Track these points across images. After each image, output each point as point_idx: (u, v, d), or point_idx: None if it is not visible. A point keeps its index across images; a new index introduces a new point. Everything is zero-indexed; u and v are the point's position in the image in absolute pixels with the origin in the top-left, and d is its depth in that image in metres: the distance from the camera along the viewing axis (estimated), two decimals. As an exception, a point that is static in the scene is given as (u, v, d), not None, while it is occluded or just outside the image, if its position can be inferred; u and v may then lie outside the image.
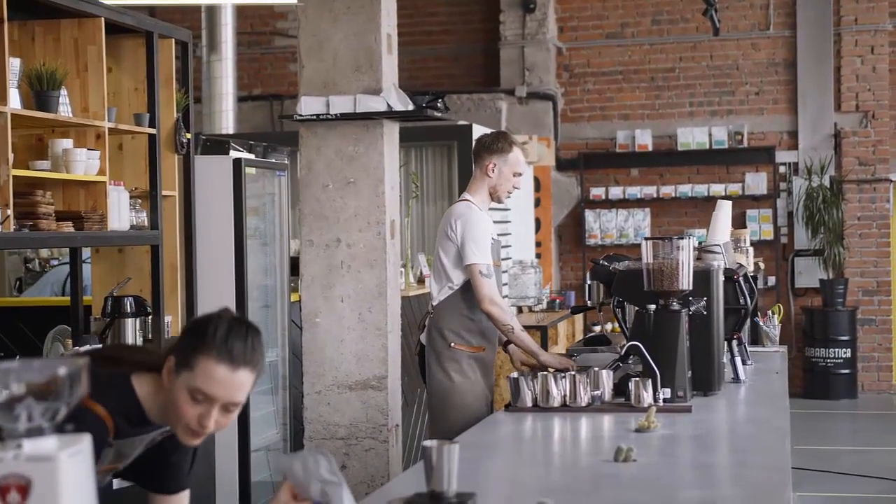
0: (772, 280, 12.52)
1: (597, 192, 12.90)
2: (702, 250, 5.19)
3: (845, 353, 12.19)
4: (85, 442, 1.80)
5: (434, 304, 5.35)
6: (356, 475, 5.66)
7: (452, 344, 5.22)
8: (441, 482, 2.76)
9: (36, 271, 8.81)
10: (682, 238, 4.43)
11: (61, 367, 1.78)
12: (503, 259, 10.01)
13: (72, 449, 1.77)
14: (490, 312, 5.11)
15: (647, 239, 4.47)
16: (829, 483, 8.44)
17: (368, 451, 5.68)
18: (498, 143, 5.33)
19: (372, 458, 5.68)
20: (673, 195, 12.72)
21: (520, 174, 5.36)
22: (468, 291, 5.22)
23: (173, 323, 5.86)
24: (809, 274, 12.54)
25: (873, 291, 12.55)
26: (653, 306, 4.41)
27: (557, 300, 10.95)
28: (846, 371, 12.22)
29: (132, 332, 5.42)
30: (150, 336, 5.62)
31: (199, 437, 2.60)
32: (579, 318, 11.09)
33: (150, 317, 5.59)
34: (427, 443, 2.76)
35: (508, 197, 5.43)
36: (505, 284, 9.92)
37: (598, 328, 12.39)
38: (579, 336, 10.97)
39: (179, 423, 2.58)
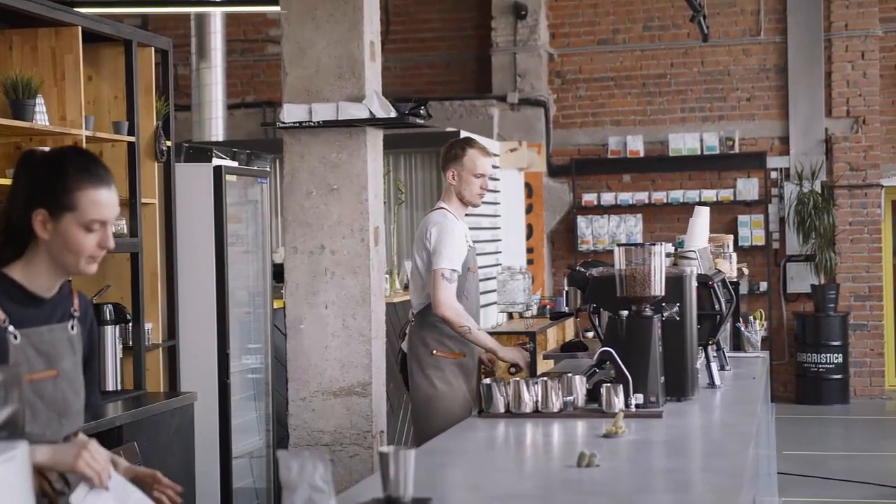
0: (763, 285, 12.53)
1: (589, 198, 12.91)
2: (677, 256, 5.20)
3: (837, 358, 12.19)
4: (20, 449, 1.82)
5: (414, 311, 5.43)
6: (341, 481, 5.67)
7: (434, 351, 5.29)
8: (397, 487, 2.78)
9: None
10: (655, 244, 4.45)
11: (-6, 374, 1.80)
12: (492, 265, 10.09)
13: (5, 455, 1.78)
14: (444, 317, 5.20)
15: (619, 245, 4.48)
16: (818, 488, 8.45)
17: (353, 458, 5.70)
18: (452, 150, 5.45)
19: (357, 464, 5.69)
20: (665, 201, 12.73)
21: (482, 175, 5.41)
22: None
23: (154, 330, 5.88)
24: (801, 279, 12.55)
25: (865, 297, 12.56)
26: (625, 312, 4.42)
27: (548, 306, 10.96)
28: (838, 376, 12.22)
29: (112, 339, 5.43)
30: (130, 343, 5.64)
31: (97, 260, 2.74)
32: (570, 323, 11.10)
33: (129, 324, 5.61)
34: (383, 449, 2.78)
35: (480, 198, 5.47)
36: (493, 291, 9.96)
37: (590, 334, 12.40)
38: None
39: (80, 258, 2.70)
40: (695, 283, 4.72)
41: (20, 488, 1.81)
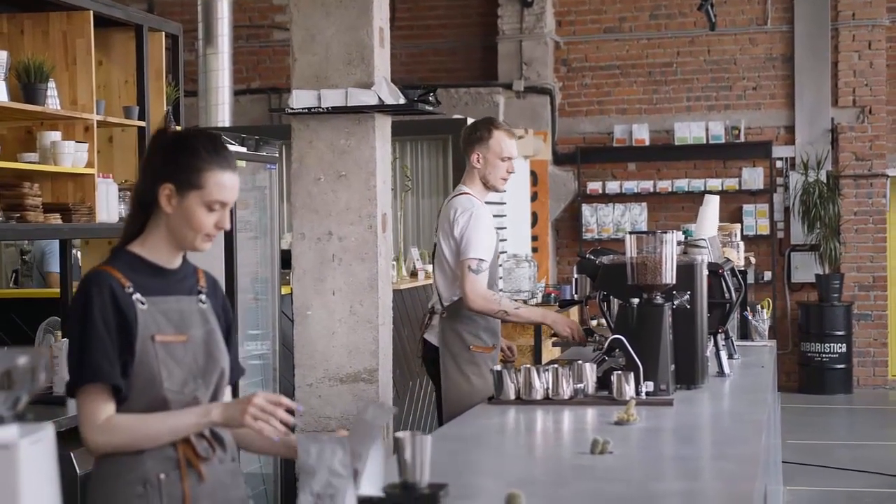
0: (768, 275, 12.53)
1: (594, 186, 12.91)
2: (687, 244, 5.20)
3: (841, 347, 12.20)
4: (46, 430, 1.83)
5: (444, 303, 5.22)
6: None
7: (472, 347, 5.12)
8: (413, 473, 2.79)
9: (32, 263, 8.84)
10: (666, 232, 4.45)
11: (21, 356, 1.81)
12: (501, 252, 10.06)
13: (33, 437, 1.79)
14: (478, 310, 5.03)
15: (630, 233, 4.48)
16: (822, 477, 8.46)
17: (359, 444, 5.69)
18: (476, 131, 5.24)
19: (363, 450, 5.69)
20: (670, 190, 12.73)
21: (508, 158, 5.21)
22: None
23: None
24: (805, 269, 12.55)
25: (869, 286, 12.57)
26: (636, 300, 4.42)
27: (553, 294, 10.95)
28: (841, 366, 12.23)
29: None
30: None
31: (212, 239, 2.86)
32: (575, 311, 11.10)
33: (139, 308, 5.60)
34: (399, 434, 2.78)
35: (505, 183, 5.28)
36: (500, 278, 9.95)
37: (594, 322, 12.41)
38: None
39: (198, 235, 2.83)
40: (706, 272, 4.72)
41: (47, 468, 1.82)
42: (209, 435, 2.86)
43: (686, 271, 4.56)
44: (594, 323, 12.29)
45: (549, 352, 9.39)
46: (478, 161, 5.21)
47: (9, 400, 1.80)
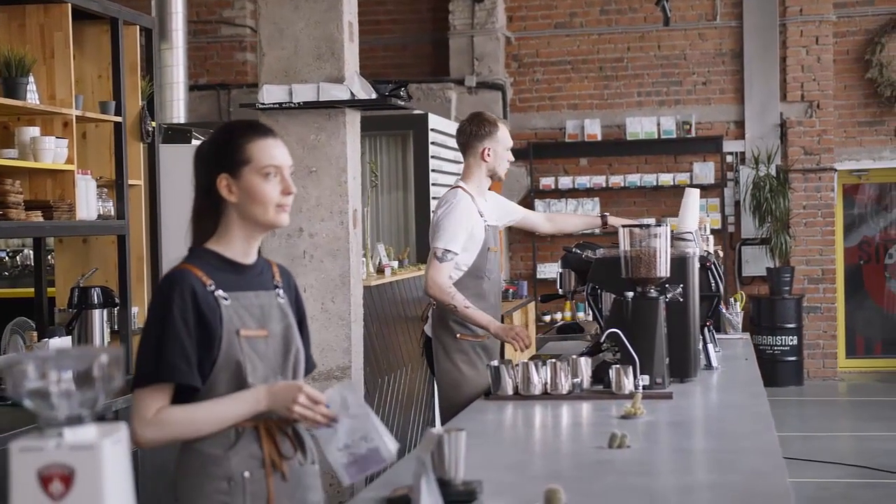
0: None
1: (546, 181, 12.93)
2: (674, 238, 5.21)
3: (791, 340, 12.33)
4: (123, 430, 1.78)
5: None
6: (320, 464, 5.63)
7: (459, 335, 5.20)
8: (449, 469, 2.76)
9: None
10: (660, 225, 4.45)
11: (101, 354, 1.76)
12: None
13: (113, 437, 1.74)
14: (431, 296, 5.13)
15: (624, 226, 4.48)
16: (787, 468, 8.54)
17: (332, 442, 5.64)
18: (484, 127, 5.31)
19: (335, 448, 5.64)
20: (622, 185, 12.78)
21: (510, 147, 5.40)
22: (469, 280, 5.17)
23: (140, 314, 5.79)
24: (756, 262, 12.67)
25: (818, 279, 12.71)
26: (630, 294, 4.42)
27: (510, 290, 10.98)
28: (792, 358, 12.36)
29: (99, 323, 5.34)
30: (116, 328, 5.54)
31: (286, 209, 2.84)
32: (532, 307, 11.13)
33: (116, 308, 5.52)
34: (435, 430, 2.75)
35: (505, 169, 5.44)
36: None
37: (548, 318, 12.43)
38: (533, 325, 11.03)
39: (268, 208, 2.81)
40: (697, 265, 4.74)
41: (125, 468, 1.77)
42: (291, 434, 2.85)
43: (678, 264, 4.58)
44: (547, 318, 12.30)
45: (509, 349, 9.38)
46: (488, 155, 5.30)
47: (88, 399, 1.74)
